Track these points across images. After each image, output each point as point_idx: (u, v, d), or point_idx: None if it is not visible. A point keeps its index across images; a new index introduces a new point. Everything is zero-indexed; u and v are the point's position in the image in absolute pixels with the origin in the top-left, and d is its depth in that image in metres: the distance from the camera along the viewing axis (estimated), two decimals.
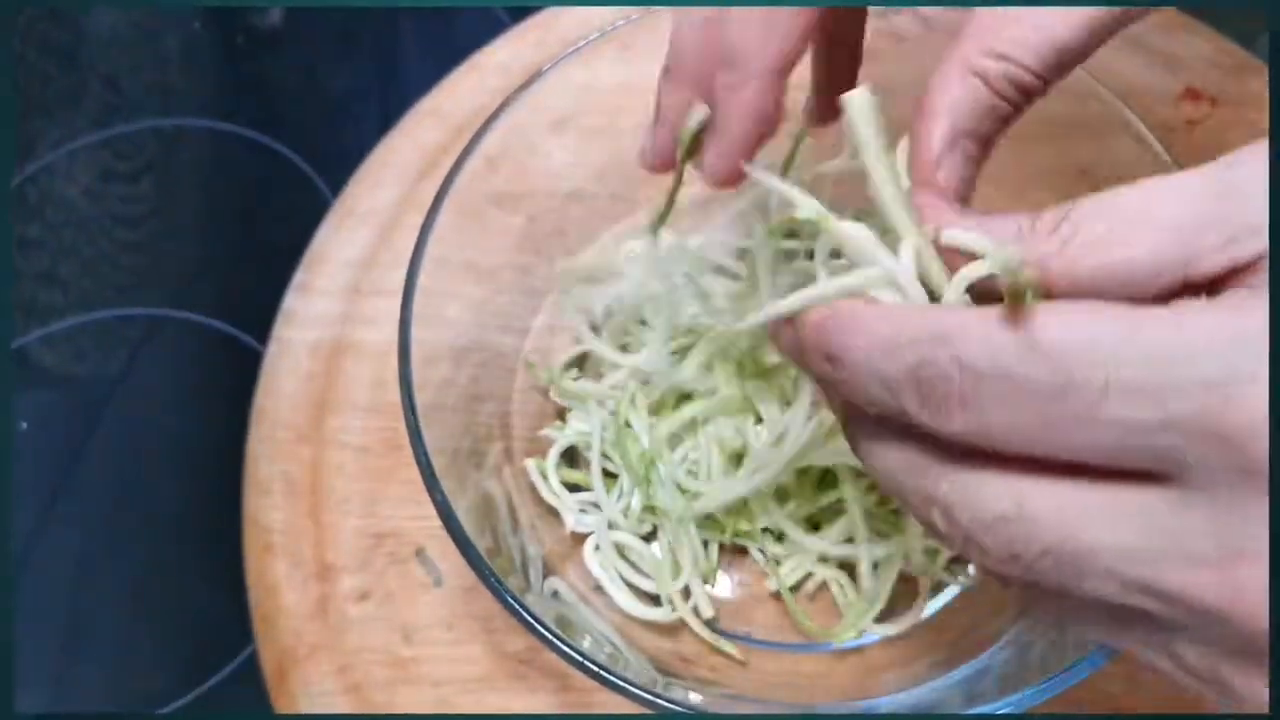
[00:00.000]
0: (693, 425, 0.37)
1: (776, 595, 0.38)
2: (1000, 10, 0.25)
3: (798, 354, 0.23)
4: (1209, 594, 0.17)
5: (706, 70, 0.29)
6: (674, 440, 0.38)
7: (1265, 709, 0.18)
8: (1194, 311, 0.18)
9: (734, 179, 0.29)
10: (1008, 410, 0.18)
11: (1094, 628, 0.20)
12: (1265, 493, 0.17)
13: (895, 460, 0.21)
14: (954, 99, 0.25)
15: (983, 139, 0.26)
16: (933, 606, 0.38)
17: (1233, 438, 0.17)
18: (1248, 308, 0.17)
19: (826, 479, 0.38)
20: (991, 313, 0.19)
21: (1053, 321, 0.18)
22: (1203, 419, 0.17)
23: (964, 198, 0.26)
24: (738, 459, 0.38)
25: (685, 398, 0.39)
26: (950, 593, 0.38)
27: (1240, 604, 0.17)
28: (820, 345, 0.22)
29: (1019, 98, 0.26)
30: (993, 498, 0.19)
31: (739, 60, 0.28)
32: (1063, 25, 0.25)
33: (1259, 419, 0.16)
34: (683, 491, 0.37)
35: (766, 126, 0.28)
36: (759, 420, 0.38)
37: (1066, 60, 0.26)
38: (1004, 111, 0.26)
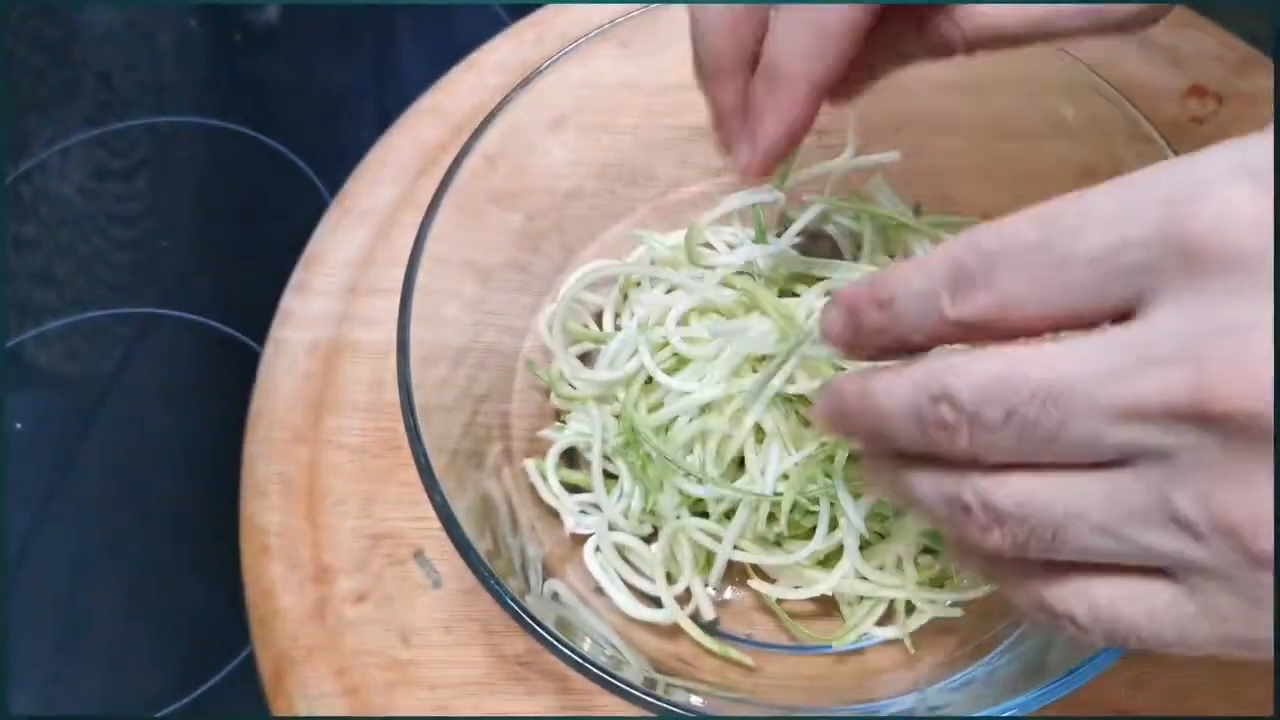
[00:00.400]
0: (701, 435, 0.37)
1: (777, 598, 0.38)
2: None
3: (852, 327, 0.25)
4: (1180, 392, 0.18)
5: (744, 68, 0.31)
6: (685, 450, 0.38)
7: (1263, 542, 0.18)
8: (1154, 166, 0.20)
9: (764, 175, 0.32)
10: (1013, 276, 0.20)
11: (1085, 518, 0.20)
12: (1223, 287, 0.18)
13: (906, 382, 0.23)
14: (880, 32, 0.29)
15: (881, 71, 0.31)
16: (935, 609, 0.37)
17: (1188, 241, 0.18)
18: (1204, 150, 0.19)
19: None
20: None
21: (1050, 201, 0.21)
22: (1163, 230, 0.18)
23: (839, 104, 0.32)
24: (738, 464, 0.37)
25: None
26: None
27: (1214, 388, 0.18)
28: (873, 297, 0.24)
29: (939, 53, 0.30)
30: (988, 363, 0.21)
31: (782, 76, 0.29)
32: (1013, 17, 0.28)
33: (1215, 221, 0.17)
34: (682, 497, 0.37)
35: (801, 134, 0.30)
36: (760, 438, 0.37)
37: (999, 44, 0.29)
38: (912, 59, 0.30)
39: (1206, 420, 0.18)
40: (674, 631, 0.37)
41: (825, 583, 0.36)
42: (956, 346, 0.22)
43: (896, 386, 0.23)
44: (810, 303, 0.39)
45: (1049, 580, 0.22)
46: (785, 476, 0.36)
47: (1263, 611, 0.19)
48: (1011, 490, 0.21)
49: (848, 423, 0.25)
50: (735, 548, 0.37)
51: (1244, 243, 0.17)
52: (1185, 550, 0.19)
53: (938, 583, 0.37)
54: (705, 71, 0.31)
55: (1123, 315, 0.20)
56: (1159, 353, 0.18)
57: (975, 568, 0.25)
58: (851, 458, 0.35)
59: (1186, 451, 0.18)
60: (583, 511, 0.39)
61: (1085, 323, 0.20)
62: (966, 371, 0.21)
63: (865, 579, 0.36)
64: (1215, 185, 0.18)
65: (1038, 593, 0.22)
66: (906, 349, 0.24)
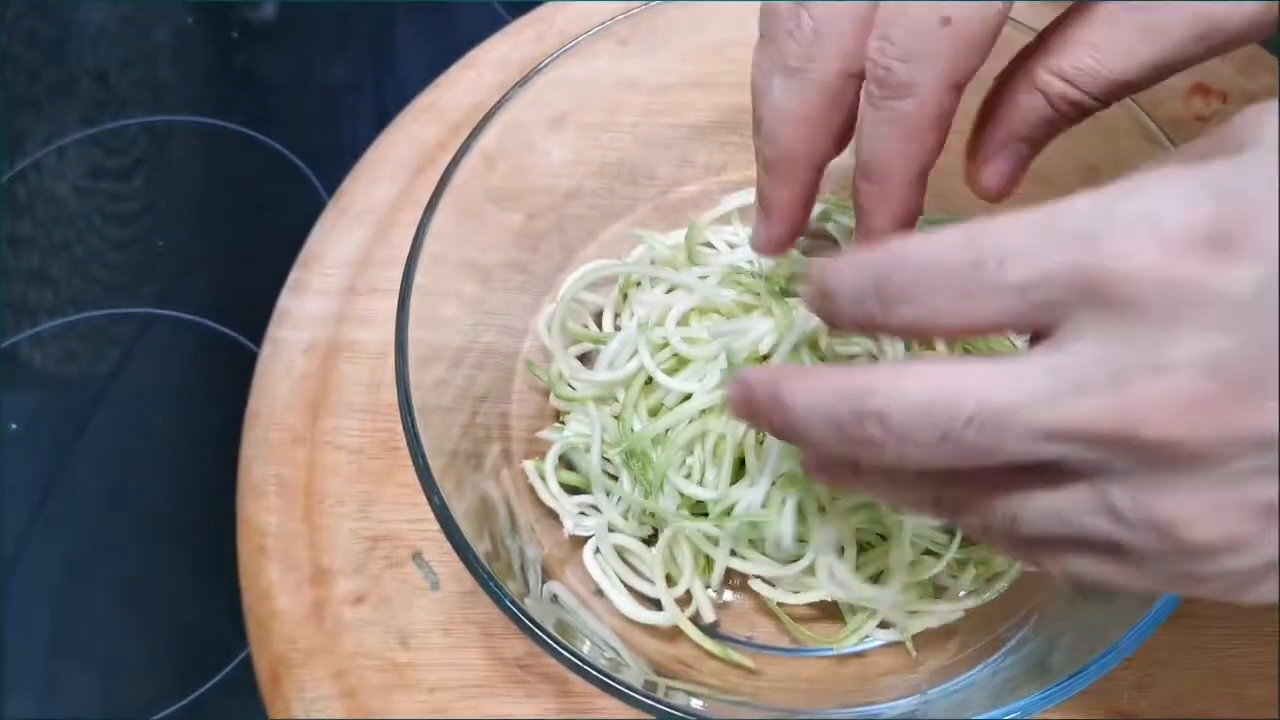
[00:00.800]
0: (701, 436, 0.37)
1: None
2: (1068, 32, 0.28)
3: (813, 306, 0.25)
4: (1106, 419, 0.20)
5: (817, 163, 0.31)
6: (685, 451, 0.37)
7: (1191, 535, 0.20)
8: (1078, 195, 0.21)
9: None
10: (940, 295, 0.21)
11: (1033, 509, 0.22)
12: (1143, 321, 0.19)
13: (826, 390, 0.23)
14: (1014, 107, 0.29)
15: (1035, 142, 0.30)
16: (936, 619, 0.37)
17: (1101, 288, 0.19)
18: (1125, 184, 0.20)
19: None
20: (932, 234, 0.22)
21: (974, 223, 0.22)
22: (1075, 267, 0.20)
23: (1007, 192, 0.32)
24: (738, 465, 0.37)
25: (686, 398, 0.38)
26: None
27: (1139, 420, 0.19)
28: (819, 288, 0.24)
29: (1075, 115, 0.29)
30: (917, 389, 0.21)
31: (879, 174, 0.29)
32: (1122, 63, 0.28)
33: (1120, 260, 0.19)
34: (682, 499, 0.37)
35: (912, 221, 0.31)
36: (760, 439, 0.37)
37: (1125, 90, 0.29)
38: (1059, 124, 0.30)
39: (1132, 446, 0.20)
40: (674, 634, 0.37)
41: (824, 582, 0.36)
42: None
43: (815, 395, 0.23)
44: None
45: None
46: (783, 476, 0.36)
47: (1194, 583, 0.21)
48: (958, 494, 0.24)
49: (755, 417, 0.26)
50: (734, 555, 0.37)
51: (1148, 296, 0.19)
52: (1122, 535, 0.21)
53: (939, 589, 0.37)
54: (773, 167, 0.31)
55: (1040, 332, 0.21)
56: (1085, 380, 0.20)
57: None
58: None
59: (1116, 464, 0.20)
60: (582, 513, 0.38)
61: (1002, 333, 0.22)
62: (895, 393, 0.22)
63: (847, 589, 0.36)
64: (1126, 234, 0.19)
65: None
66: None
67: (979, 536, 0.25)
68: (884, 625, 0.37)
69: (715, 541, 0.36)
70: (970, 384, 0.21)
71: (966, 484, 0.23)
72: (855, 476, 0.26)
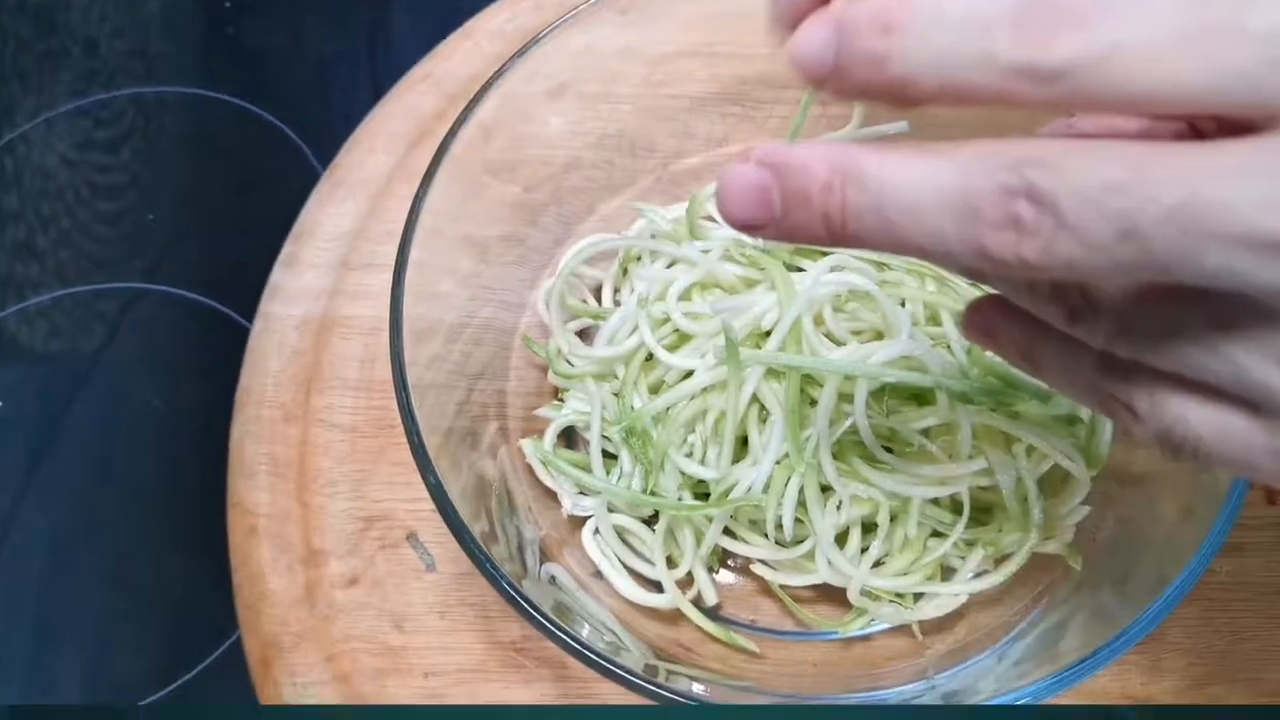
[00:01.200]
0: (702, 413, 0.36)
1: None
2: None
3: (834, 48, 0.18)
4: None
5: None
6: (686, 429, 0.37)
7: None
8: None
9: None
10: (1137, 21, 0.15)
11: (1183, 337, 0.18)
12: None
13: (968, 153, 0.17)
14: None
15: None
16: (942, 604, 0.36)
17: None
18: None
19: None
20: None
21: None
22: None
23: None
24: (740, 443, 0.36)
25: (688, 374, 0.37)
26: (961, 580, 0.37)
27: None
28: (878, 17, 0.17)
29: None
30: (1102, 162, 0.16)
31: None
32: None
33: None
34: (684, 478, 0.36)
35: None
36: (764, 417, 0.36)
37: None
38: None
39: None
40: (675, 617, 0.36)
41: (824, 572, 0.35)
42: None
43: (940, 164, 0.17)
44: (816, 276, 0.38)
45: (1114, 370, 0.20)
46: (786, 456, 0.35)
47: None
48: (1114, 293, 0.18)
49: (822, 202, 0.18)
50: (735, 538, 0.37)
51: None
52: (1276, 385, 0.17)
53: (946, 571, 0.36)
54: None
55: (1237, 128, 0.16)
56: None
57: (1017, 339, 0.22)
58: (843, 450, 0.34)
59: None
60: (581, 492, 0.38)
61: (1188, 118, 0.17)
62: (1066, 166, 0.16)
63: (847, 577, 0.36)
64: None
65: (1098, 380, 0.20)
66: (904, 99, 0.17)
67: (1064, 355, 0.20)
68: (890, 605, 0.36)
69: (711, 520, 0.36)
70: (1171, 169, 0.15)
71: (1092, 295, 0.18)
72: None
